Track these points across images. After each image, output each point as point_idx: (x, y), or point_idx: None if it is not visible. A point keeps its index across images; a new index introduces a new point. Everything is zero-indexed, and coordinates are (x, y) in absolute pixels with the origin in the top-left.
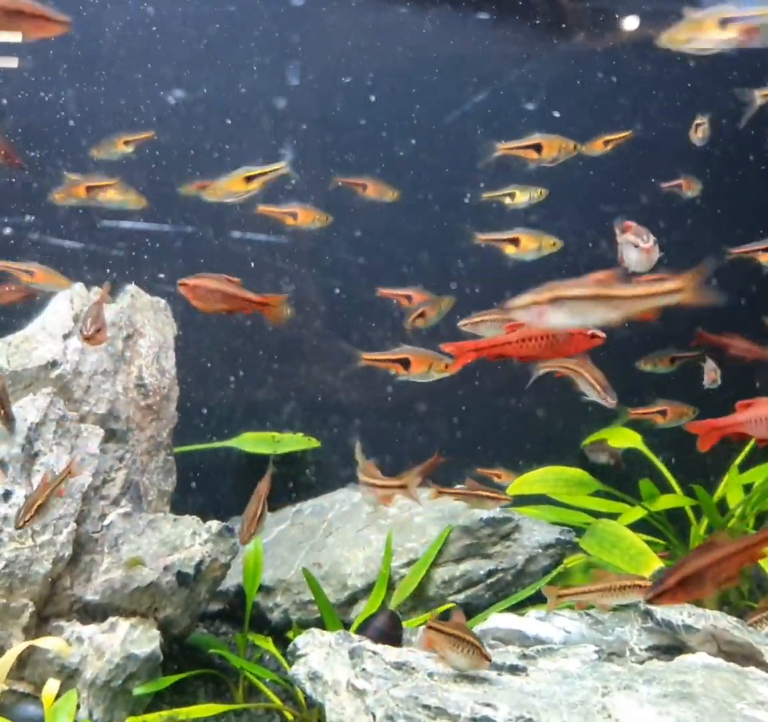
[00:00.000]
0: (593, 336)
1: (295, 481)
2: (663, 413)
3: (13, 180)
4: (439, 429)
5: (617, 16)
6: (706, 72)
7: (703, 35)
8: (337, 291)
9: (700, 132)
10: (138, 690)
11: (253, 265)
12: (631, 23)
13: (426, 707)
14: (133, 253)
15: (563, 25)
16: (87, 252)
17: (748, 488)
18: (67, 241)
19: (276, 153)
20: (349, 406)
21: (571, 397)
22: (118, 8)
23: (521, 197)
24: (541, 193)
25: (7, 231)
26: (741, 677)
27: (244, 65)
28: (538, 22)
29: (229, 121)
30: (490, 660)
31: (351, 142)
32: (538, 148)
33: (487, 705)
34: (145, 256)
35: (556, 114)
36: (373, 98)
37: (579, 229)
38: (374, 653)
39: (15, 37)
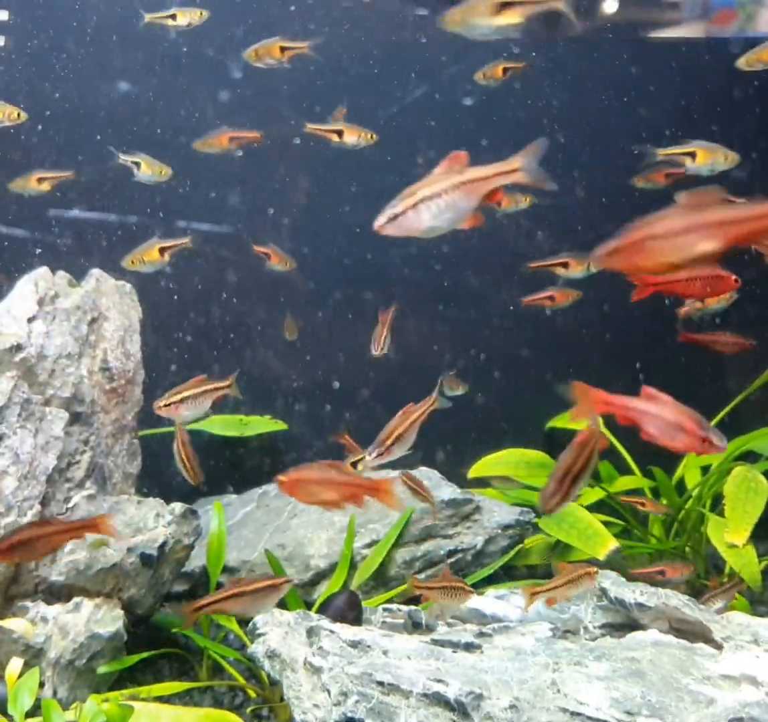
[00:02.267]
0: (736, 281)
1: (262, 463)
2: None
3: None
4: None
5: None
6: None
7: (476, 19)
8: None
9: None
10: (102, 669)
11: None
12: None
13: (380, 683)
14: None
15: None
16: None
17: (706, 470)
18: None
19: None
20: (317, 389)
21: (532, 380)
22: None
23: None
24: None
25: None
26: (689, 653)
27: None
28: None
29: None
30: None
31: None
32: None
33: (439, 680)
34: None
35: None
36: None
37: None
38: (331, 632)
39: None
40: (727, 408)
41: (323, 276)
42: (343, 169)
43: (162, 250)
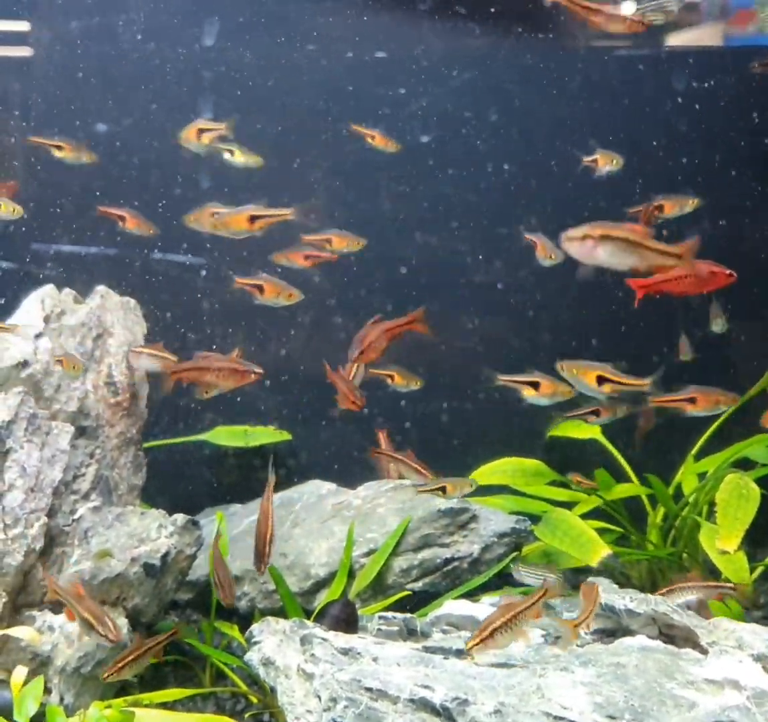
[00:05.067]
0: (730, 275)
1: (266, 474)
2: (692, 400)
3: None
4: (402, 422)
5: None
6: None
7: None
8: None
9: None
10: None
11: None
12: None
13: (368, 689)
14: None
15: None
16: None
17: (703, 477)
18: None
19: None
20: (320, 399)
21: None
22: None
23: None
24: None
25: None
26: (674, 658)
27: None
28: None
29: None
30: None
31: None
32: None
33: (426, 686)
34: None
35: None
36: None
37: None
38: (324, 639)
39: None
40: (723, 416)
41: (325, 289)
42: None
43: (252, 219)
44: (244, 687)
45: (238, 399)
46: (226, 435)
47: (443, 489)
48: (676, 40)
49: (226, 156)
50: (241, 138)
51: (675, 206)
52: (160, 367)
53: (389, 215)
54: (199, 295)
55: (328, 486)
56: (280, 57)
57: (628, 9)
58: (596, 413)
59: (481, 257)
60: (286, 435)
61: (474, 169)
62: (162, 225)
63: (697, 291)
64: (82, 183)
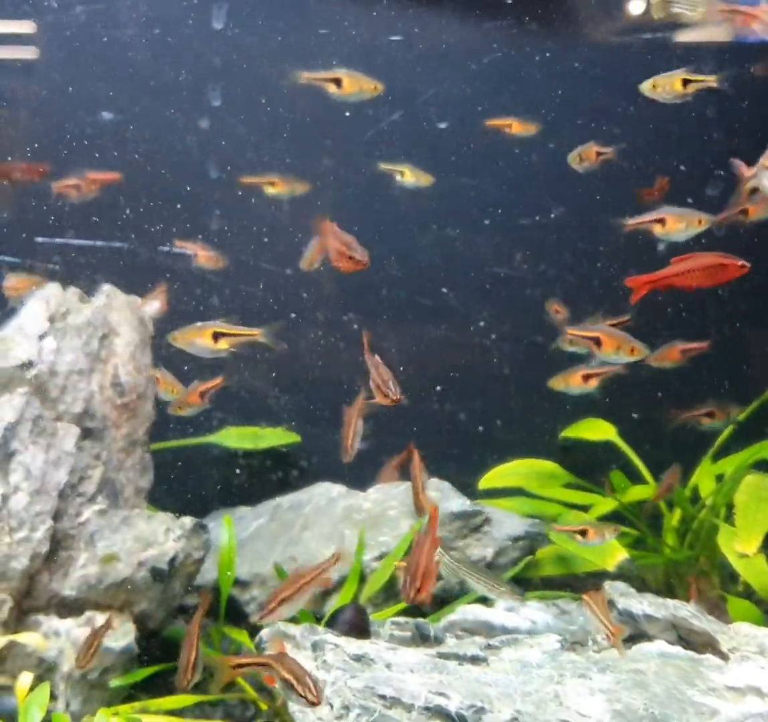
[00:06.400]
0: (742, 266)
1: (276, 476)
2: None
3: None
4: (415, 422)
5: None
6: None
7: None
8: (305, 295)
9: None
10: (114, 683)
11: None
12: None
13: (382, 697)
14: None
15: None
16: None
17: (720, 478)
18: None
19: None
20: (330, 401)
21: (544, 390)
22: None
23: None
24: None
25: None
26: (695, 664)
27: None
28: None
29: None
30: None
31: None
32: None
33: (441, 694)
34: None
35: None
36: None
37: None
38: (336, 645)
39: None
40: (741, 417)
41: (336, 291)
42: None
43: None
44: (253, 694)
45: (248, 400)
46: (235, 437)
47: (583, 533)
48: (684, 37)
49: (398, 177)
50: (254, 129)
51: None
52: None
53: (403, 212)
54: (209, 296)
55: (338, 489)
56: (293, 43)
57: (637, 6)
58: (711, 415)
59: (497, 253)
60: (295, 437)
61: (492, 163)
62: (172, 222)
63: (708, 284)
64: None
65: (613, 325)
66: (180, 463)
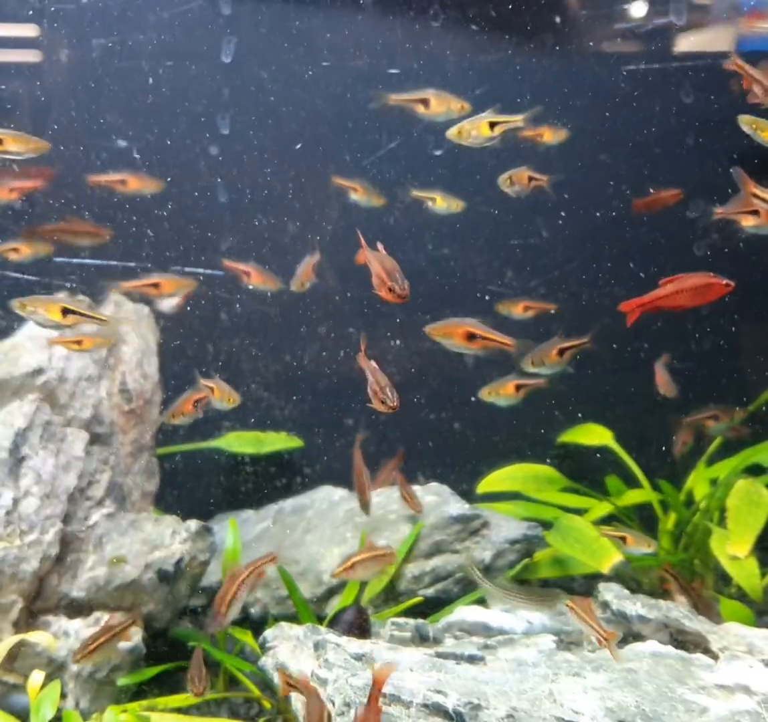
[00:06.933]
0: (726, 285)
1: (279, 480)
2: (715, 417)
3: None
4: (414, 429)
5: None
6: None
7: None
8: (308, 300)
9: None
10: (122, 681)
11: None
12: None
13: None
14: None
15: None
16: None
17: (714, 482)
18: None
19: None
20: (334, 406)
21: (542, 395)
22: None
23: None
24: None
25: None
26: (686, 663)
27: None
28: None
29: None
30: None
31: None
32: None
33: (439, 691)
34: None
35: None
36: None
37: None
38: (337, 645)
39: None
40: (734, 422)
41: (338, 296)
42: None
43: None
44: (257, 693)
45: (252, 406)
46: (238, 442)
47: (624, 539)
48: (686, 42)
49: (429, 204)
50: (257, 150)
51: None
52: None
53: (405, 223)
54: (213, 304)
55: (340, 493)
56: (298, 72)
57: (639, 9)
58: (715, 418)
59: (493, 266)
60: (298, 442)
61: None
62: (178, 235)
63: (695, 304)
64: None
65: (568, 348)
66: (185, 468)
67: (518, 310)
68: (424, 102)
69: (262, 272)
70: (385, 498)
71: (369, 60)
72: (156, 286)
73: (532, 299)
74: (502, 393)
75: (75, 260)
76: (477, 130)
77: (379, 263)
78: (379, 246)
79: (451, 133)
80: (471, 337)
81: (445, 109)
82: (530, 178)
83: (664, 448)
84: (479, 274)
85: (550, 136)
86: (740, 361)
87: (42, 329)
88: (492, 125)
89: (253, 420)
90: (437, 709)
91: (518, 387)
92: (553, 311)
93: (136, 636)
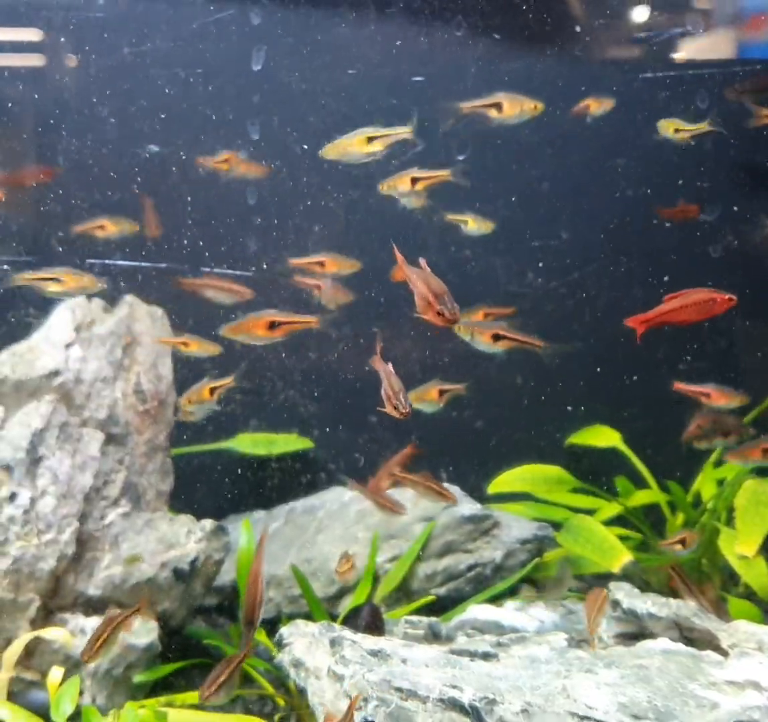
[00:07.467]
0: (729, 299)
1: (291, 480)
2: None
3: None
4: (427, 430)
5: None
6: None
7: None
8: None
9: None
10: (138, 678)
11: None
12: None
13: (398, 689)
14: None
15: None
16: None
17: (721, 483)
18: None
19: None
20: (344, 406)
21: (552, 396)
22: None
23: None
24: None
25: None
26: (696, 660)
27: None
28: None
29: None
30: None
31: None
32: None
33: (454, 687)
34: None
35: None
36: None
37: None
38: (353, 642)
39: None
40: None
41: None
42: None
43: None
44: (271, 690)
45: (266, 406)
46: (250, 443)
47: (683, 542)
48: (689, 48)
49: (462, 226)
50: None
51: None
52: None
53: (419, 227)
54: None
55: (350, 493)
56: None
57: (641, 14)
58: (726, 434)
59: (511, 268)
60: (308, 443)
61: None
62: (192, 237)
63: (699, 319)
64: (107, 196)
65: (491, 315)
66: (198, 469)
67: (478, 318)
68: (497, 106)
69: (334, 286)
70: (397, 498)
71: (391, 68)
72: (321, 264)
73: (489, 306)
74: (425, 398)
75: (107, 261)
76: (402, 185)
77: (425, 284)
78: (422, 262)
79: (382, 187)
80: (272, 325)
81: (518, 110)
82: (414, 180)
83: (671, 450)
84: (500, 275)
85: (596, 106)
86: (752, 361)
87: (59, 331)
88: (414, 181)
89: (265, 421)
90: (453, 704)
91: (441, 393)
92: (511, 314)
93: (151, 634)
